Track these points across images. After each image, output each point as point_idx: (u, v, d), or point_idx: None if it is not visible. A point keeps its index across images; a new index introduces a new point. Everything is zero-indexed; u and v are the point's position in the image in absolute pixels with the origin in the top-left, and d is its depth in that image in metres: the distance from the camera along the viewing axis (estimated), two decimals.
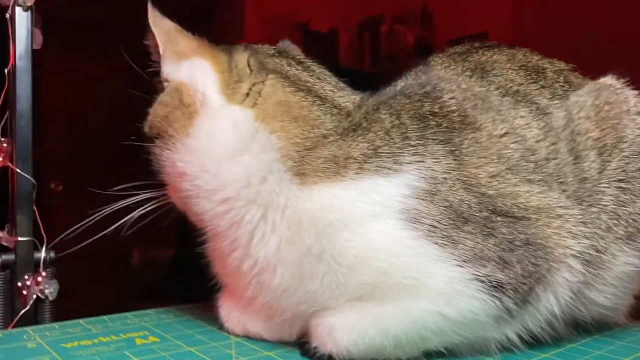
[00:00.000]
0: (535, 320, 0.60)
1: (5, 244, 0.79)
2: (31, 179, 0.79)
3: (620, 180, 0.64)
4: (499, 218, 0.58)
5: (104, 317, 0.72)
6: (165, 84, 0.64)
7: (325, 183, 0.57)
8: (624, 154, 0.65)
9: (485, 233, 0.57)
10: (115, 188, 0.66)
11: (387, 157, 0.58)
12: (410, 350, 0.57)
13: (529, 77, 0.69)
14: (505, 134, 0.63)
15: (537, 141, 0.64)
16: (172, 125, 0.61)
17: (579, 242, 0.60)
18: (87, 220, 0.67)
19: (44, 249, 0.79)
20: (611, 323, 0.69)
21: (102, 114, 2.00)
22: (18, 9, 0.79)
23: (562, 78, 0.71)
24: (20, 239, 0.78)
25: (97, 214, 0.65)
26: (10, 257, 0.77)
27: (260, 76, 0.61)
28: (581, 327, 0.66)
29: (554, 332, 0.63)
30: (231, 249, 0.61)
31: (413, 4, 2.11)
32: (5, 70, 0.80)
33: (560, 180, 0.63)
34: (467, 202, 0.57)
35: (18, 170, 0.78)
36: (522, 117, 0.65)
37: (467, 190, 0.58)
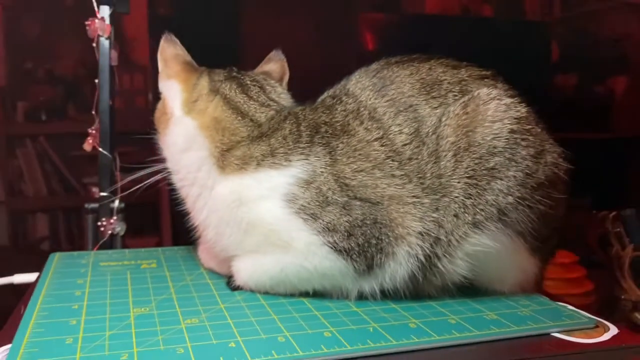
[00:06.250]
0: (389, 280, 0.81)
1: (95, 197, 1.21)
2: (109, 155, 1.18)
3: (469, 177, 0.79)
4: (357, 202, 0.79)
5: (138, 249, 1.09)
6: (160, 94, 0.96)
7: (235, 174, 0.84)
8: (474, 155, 0.79)
9: (342, 213, 0.79)
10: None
11: (281, 156, 0.82)
12: (285, 290, 0.83)
13: (422, 89, 0.85)
14: (378, 138, 0.82)
15: (404, 145, 0.82)
16: (161, 125, 0.93)
17: (424, 224, 0.79)
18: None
19: (117, 201, 1.19)
20: (498, 291, 0.85)
21: None
22: (102, 39, 1.18)
23: (457, 88, 0.85)
24: (102, 194, 1.19)
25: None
26: (95, 206, 1.19)
27: (210, 97, 0.90)
28: (466, 288, 0.83)
29: (415, 289, 0.82)
30: (190, 210, 0.92)
31: None
32: (96, 81, 1.20)
33: (419, 175, 0.81)
34: (332, 189, 0.80)
35: (101, 150, 1.18)
36: (398, 124, 0.83)
37: (335, 181, 0.80)
